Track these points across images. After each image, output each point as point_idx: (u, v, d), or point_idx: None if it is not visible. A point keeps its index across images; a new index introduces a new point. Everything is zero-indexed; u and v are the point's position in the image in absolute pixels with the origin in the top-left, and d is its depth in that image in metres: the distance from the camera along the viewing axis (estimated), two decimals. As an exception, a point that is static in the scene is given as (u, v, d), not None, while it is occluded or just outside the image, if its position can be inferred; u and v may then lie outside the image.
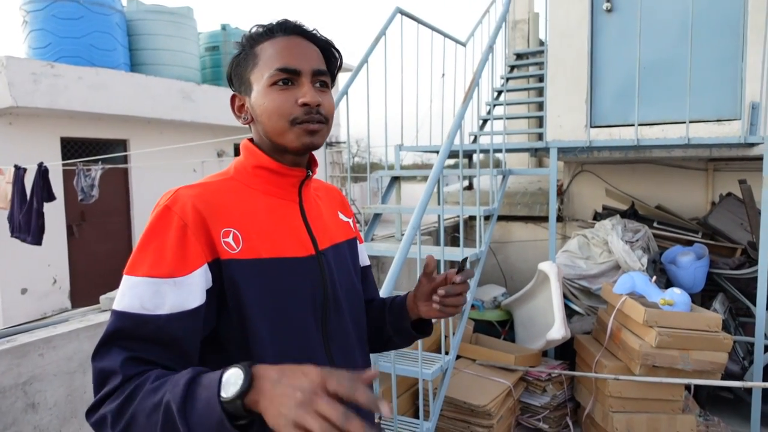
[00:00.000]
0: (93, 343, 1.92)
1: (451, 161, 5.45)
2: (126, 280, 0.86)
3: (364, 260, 1.22)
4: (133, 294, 0.84)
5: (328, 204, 1.14)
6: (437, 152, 4.48)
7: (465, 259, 1.09)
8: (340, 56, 1.05)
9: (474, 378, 3.08)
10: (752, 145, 3.40)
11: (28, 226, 4.94)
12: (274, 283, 0.93)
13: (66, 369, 1.84)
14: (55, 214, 6.73)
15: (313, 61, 0.98)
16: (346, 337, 1.04)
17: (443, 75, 4.73)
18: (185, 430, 0.71)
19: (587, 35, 3.94)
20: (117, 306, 0.85)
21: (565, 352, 3.64)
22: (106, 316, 2.04)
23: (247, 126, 1.04)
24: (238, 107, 1.03)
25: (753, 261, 3.44)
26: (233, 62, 1.02)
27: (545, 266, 3.24)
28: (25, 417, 1.71)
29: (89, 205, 6.31)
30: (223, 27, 9.14)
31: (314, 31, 1.01)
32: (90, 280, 7.12)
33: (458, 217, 4.85)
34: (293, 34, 0.99)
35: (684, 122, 3.41)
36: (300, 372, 0.71)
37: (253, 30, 1.00)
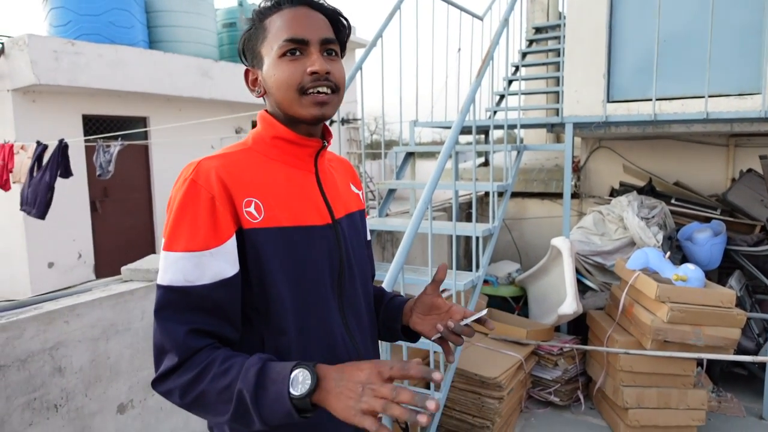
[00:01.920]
0: (115, 312, 2.01)
1: (469, 137, 5.43)
2: (166, 256, 0.90)
3: (366, 234, 1.25)
4: (176, 268, 0.89)
5: (342, 175, 1.17)
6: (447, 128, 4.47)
7: (483, 313, 1.06)
8: (349, 25, 1.06)
9: (486, 351, 3.12)
10: (774, 119, 3.33)
11: (34, 199, 4.97)
12: (294, 251, 0.97)
13: (90, 335, 1.92)
14: (78, 190, 6.89)
15: (321, 30, 0.98)
16: (358, 303, 1.09)
17: (459, 50, 4.68)
18: (257, 416, 0.82)
19: (606, 8, 3.85)
20: (162, 281, 0.90)
21: (578, 327, 3.67)
22: (128, 286, 2.11)
23: (262, 100, 1.06)
24: (251, 81, 1.05)
25: (772, 238, 3.41)
26: (244, 37, 1.04)
27: (558, 242, 3.25)
28: (53, 380, 1.80)
29: (111, 181, 6.45)
30: (240, 3, 9.13)
31: (321, 1, 1.02)
32: (113, 254, 7.31)
33: (474, 193, 4.86)
34: (300, 5, 0.99)
35: (703, 97, 3.34)
36: (356, 368, 0.81)
37: (262, 4, 1.01)
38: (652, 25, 3.46)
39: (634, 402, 2.89)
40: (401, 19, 3.59)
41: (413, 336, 1.19)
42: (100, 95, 7.11)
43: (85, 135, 6.97)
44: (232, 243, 0.91)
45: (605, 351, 3.03)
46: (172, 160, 8.06)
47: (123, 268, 2.26)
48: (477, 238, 2.93)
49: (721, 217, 3.90)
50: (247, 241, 0.93)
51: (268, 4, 1.01)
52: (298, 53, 0.96)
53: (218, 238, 0.90)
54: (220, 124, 8.33)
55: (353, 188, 1.19)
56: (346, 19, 1.05)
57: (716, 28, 3.38)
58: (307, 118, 0.98)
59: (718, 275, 3.81)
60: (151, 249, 7.90)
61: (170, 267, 0.89)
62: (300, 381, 0.80)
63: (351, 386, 0.79)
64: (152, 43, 7.94)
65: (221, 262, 0.90)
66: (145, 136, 7.69)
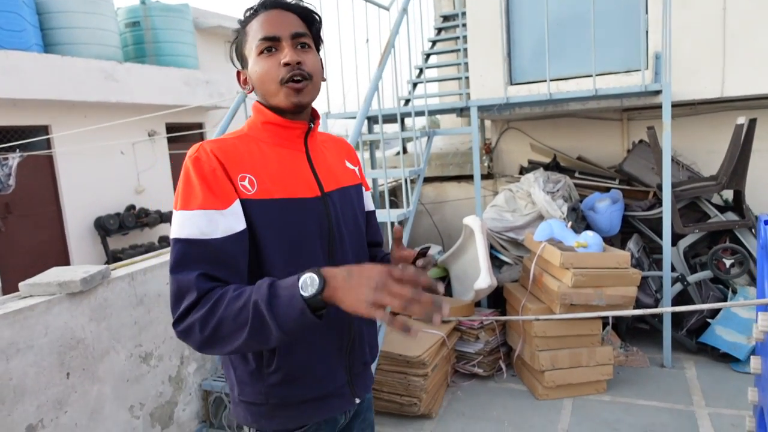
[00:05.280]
0: (14, 330, 1.92)
1: (392, 127, 5.50)
2: (181, 214, 1.03)
3: (369, 206, 1.38)
4: (192, 223, 1.02)
5: (336, 153, 1.31)
6: (369, 118, 4.52)
7: (425, 248, 1.21)
8: (320, 18, 1.20)
9: (409, 332, 3.21)
10: (657, 93, 3.61)
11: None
12: (285, 220, 1.10)
13: (-13, 357, 1.83)
14: (-24, 208, 6.40)
15: (291, 27, 1.12)
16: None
17: (367, 41, 4.73)
18: (273, 322, 0.93)
19: (502, -6, 4.03)
20: (179, 235, 1.02)
21: (497, 300, 3.85)
22: (27, 302, 2.02)
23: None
24: (243, 81, 1.20)
25: (662, 202, 3.70)
26: (233, 44, 1.20)
27: (469, 220, 3.39)
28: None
29: (14, 195, 6.04)
30: (143, 1, 8.72)
31: (292, 1, 1.16)
32: (23, 272, 6.80)
33: (395, 181, 4.95)
34: (273, 8, 1.14)
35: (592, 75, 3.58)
36: (365, 268, 0.92)
37: (245, 13, 1.17)
38: (544, 9, 3.64)
39: (549, 364, 3.08)
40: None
41: None
42: (-8, 105, 6.62)
43: (-22, 148, 6.48)
44: (237, 205, 1.05)
45: (520, 320, 3.21)
46: (82, 169, 7.65)
47: (21, 284, 2.16)
48: (392, 223, 3.01)
49: (619, 186, 4.20)
50: (243, 210, 1.06)
51: (248, 12, 1.16)
52: (273, 50, 1.11)
53: (227, 200, 1.04)
54: (130, 128, 7.96)
55: (348, 165, 1.32)
56: (317, 14, 1.19)
57: (601, 10, 3.61)
58: (287, 106, 1.12)
59: (621, 240, 4.11)
60: (65, 263, 7.47)
61: (186, 222, 1.02)
62: (309, 284, 0.91)
63: (363, 281, 0.89)
64: (49, 46, 7.45)
65: (231, 220, 1.04)
66: (48, 145, 7.24)
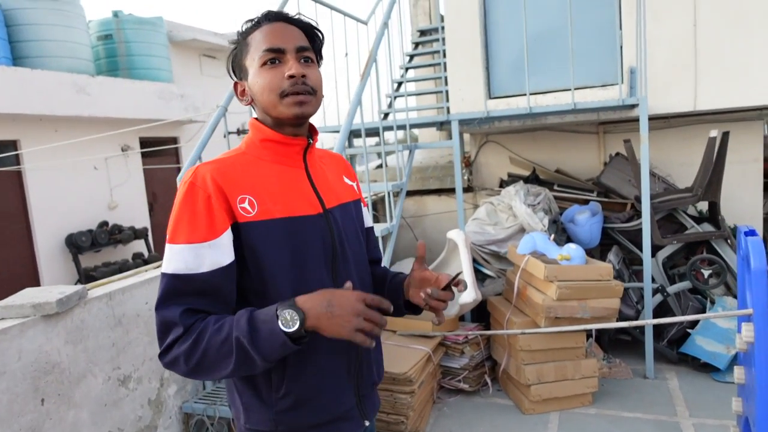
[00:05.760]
0: (-15, 356, 1.82)
1: (373, 140, 5.49)
2: (169, 248, 1.05)
3: (367, 222, 1.38)
4: (179, 258, 1.03)
5: (334, 169, 1.30)
6: (350, 132, 4.50)
7: (458, 275, 1.19)
8: (323, 35, 1.20)
9: (394, 348, 3.18)
10: (632, 106, 3.68)
11: None
12: (288, 239, 1.09)
13: (-44, 385, 1.73)
14: (-61, 226, 6.17)
15: (295, 40, 1.12)
16: (353, 283, 1.15)
17: (347, 54, 4.74)
18: (257, 355, 0.97)
19: (479, 10, 4.08)
20: (166, 269, 1.04)
21: (482, 314, 3.83)
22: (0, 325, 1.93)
23: (250, 110, 1.20)
24: (240, 92, 1.18)
25: (641, 214, 3.76)
26: (231, 55, 1.19)
27: (453, 234, 3.34)
28: None
29: (-21, 213, 5.82)
30: (115, 14, 8.60)
31: (296, 16, 1.16)
32: (-11, 293, 6.61)
33: (376, 195, 4.93)
34: (276, 21, 1.14)
35: (571, 89, 3.63)
36: (343, 296, 0.99)
37: (245, 25, 1.16)
38: (522, 24, 3.70)
39: (535, 378, 3.08)
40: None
41: (416, 309, 1.31)
42: (-43, 119, 6.42)
43: (-57, 164, 6.26)
44: (227, 236, 1.05)
45: (504, 334, 3.20)
46: (52, 185, 7.44)
47: (-8, 307, 2.06)
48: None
49: (598, 199, 4.25)
50: (243, 233, 1.06)
51: (250, 23, 1.15)
52: (277, 61, 1.10)
53: (214, 232, 1.03)
54: (102, 143, 7.80)
55: (347, 180, 1.32)
56: (319, 30, 1.19)
57: (578, 25, 3.68)
58: (289, 117, 1.10)
59: (600, 252, 4.15)
60: (34, 282, 7.23)
61: (174, 257, 1.03)
62: (289, 320, 0.96)
63: (346, 310, 0.97)
64: (17, 59, 7.27)
65: (218, 253, 1.04)
66: (16, 161, 7.03)
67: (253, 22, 1.15)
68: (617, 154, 4.38)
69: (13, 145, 7.13)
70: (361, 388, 1.22)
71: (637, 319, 3.66)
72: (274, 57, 1.10)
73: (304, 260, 1.11)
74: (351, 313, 0.97)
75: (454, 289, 1.18)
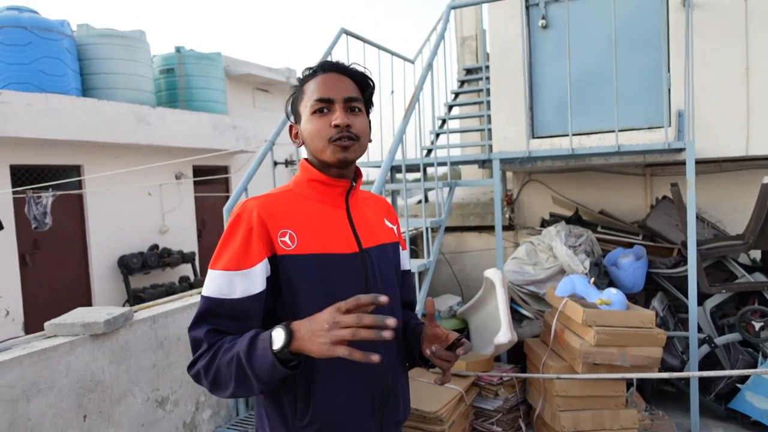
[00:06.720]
0: (37, 370, 1.94)
1: (413, 176, 5.56)
2: (210, 272, 1.13)
3: (404, 265, 1.42)
4: (214, 283, 1.11)
5: (376, 211, 1.36)
6: (392, 167, 4.59)
7: (461, 336, 1.19)
8: (373, 83, 1.27)
9: (426, 386, 3.15)
10: (680, 150, 3.62)
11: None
12: (323, 274, 1.15)
13: (8, 396, 1.84)
14: (6, 243, 6.57)
15: (345, 91, 1.19)
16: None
17: (392, 92, 4.86)
18: (251, 373, 1.01)
19: (525, 51, 4.12)
20: (204, 292, 1.12)
21: (518, 356, 3.76)
22: (51, 342, 2.04)
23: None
24: (294, 135, 1.28)
25: (687, 260, 3.64)
26: (290, 99, 1.28)
27: (490, 273, 3.36)
28: (-34, 447, 1.72)
29: (43, 232, 6.18)
30: (178, 49, 9.12)
31: (350, 66, 1.24)
32: (46, 309, 6.94)
33: (415, 230, 4.97)
34: (330, 71, 1.22)
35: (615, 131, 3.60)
36: (320, 313, 0.98)
37: (303, 72, 1.25)
38: (566, 65, 3.71)
39: (571, 426, 2.98)
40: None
41: (429, 362, 1.30)
42: (29, 144, 6.89)
43: (13, 186, 6.70)
44: (260, 266, 1.11)
45: (540, 378, 3.13)
46: (109, 209, 7.83)
47: (46, 324, 2.19)
48: (413, 272, 3.00)
49: (642, 242, 4.15)
50: (281, 265, 1.13)
51: (308, 72, 1.24)
52: (326, 110, 1.18)
53: (249, 262, 1.11)
54: (158, 171, 8.19)
55: (387, 223, 1.37)
56: (370, 80, 1.26)
57: (624, 67, 3.67)
58: (334, 161, 1.18)
59: (644, 297, 4.02)
60: (87, 303, 7.56)
61: (210, 282, 1.12)
62: (277, 338, 0.98)
63: (318, 326, 0.96)
64: (87, 90, 7.80)
65: (249, 282, 1.10)
66: (79, 185, 7.46)
67: (311, 71, 1.24)
68: (664, 197, 4.27)
69: (77, 169, 7.59)
70: (385, 423, 1.23)
71: (681, 370, 3.51)
72: (323, 106, 1.18)
73: (335, 296, 1.12)
74: (322, 327, 0.95)
75: (468, 342, 1.18)
